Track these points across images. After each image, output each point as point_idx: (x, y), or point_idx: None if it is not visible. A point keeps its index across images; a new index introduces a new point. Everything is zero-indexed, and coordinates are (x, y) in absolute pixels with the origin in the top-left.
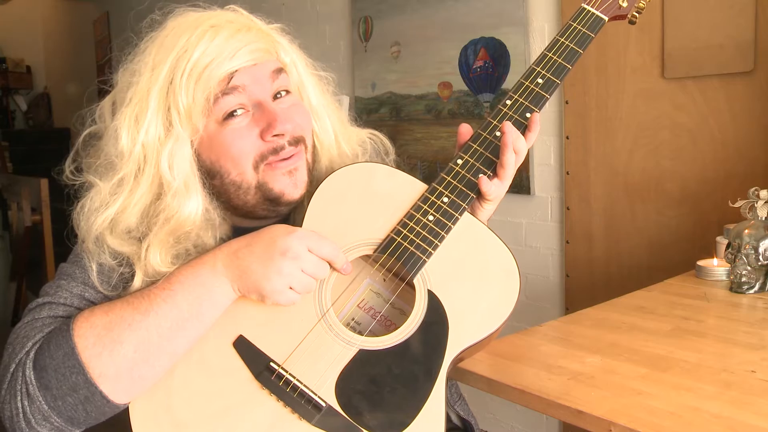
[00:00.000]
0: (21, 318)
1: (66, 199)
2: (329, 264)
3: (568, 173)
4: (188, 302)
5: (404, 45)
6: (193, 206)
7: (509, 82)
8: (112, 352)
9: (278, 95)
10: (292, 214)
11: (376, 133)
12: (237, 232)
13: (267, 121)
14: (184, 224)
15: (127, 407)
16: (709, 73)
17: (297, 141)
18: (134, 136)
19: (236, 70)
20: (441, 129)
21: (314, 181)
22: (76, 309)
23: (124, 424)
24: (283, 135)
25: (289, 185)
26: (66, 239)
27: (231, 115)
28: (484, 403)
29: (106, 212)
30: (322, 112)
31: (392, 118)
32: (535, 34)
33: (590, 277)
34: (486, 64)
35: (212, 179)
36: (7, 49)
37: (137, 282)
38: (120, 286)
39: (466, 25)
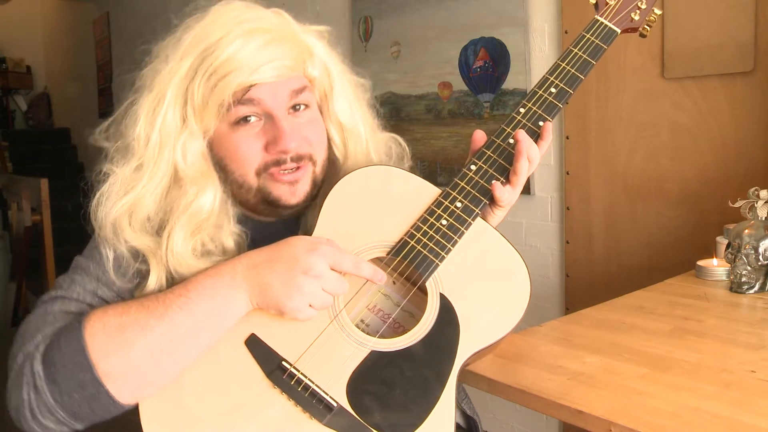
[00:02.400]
0: (33, 309)
1: (82, 195)
2: (365, 278)
3: (568, 173)
4: (204, 312)
5: (404, 45)
6: (210, 194)
7: (509, 82)
8: (122, 353)
9: (297, 107)
10: (304, 216)
11: (396, 136)
12: (247, 223)
13: (274, 136)
14: (201, 210)
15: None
16: (709, 73)
17: (300, 158)
18: (152, 122)
19: (254, 84)
20: (441, 129)
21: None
22: (89, 306)
23: (134, 418)
24: (286, 152)
25: (287, 193)
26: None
27: (243, 120)
28: (484, 403)
29: (125, 198)
30: (352, 121)
31: (392, 118)
32: (535, 34)
33: (590, 277)
34: (486, 64)
35: (222, 172)
36: (7, 49)
37: (152, 281)
38: (135, 280)
39: (466, 25)
